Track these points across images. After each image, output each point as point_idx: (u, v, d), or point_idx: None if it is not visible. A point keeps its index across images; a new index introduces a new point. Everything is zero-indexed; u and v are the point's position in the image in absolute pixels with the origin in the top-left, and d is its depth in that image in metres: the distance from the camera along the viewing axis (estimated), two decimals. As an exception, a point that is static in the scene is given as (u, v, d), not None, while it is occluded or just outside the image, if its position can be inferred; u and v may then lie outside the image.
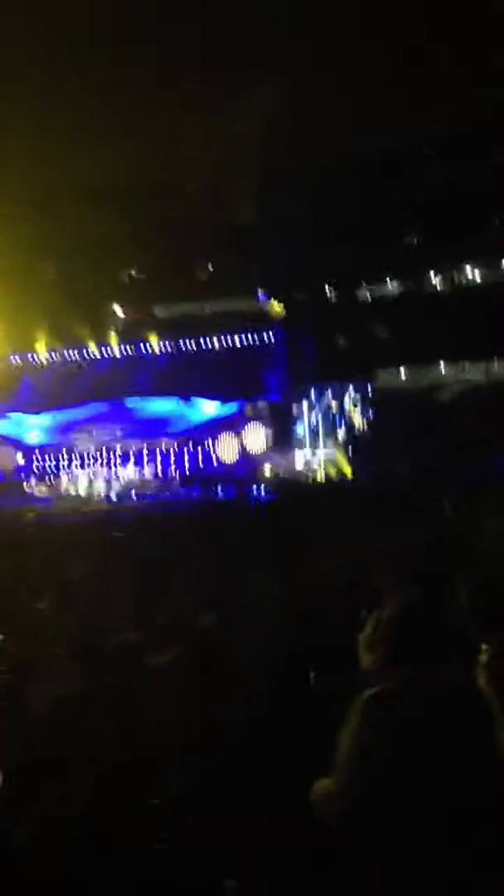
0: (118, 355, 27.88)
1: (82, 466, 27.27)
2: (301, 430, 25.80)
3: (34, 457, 28.35)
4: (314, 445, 25.55)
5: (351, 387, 25.39)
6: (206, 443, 26.98)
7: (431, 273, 24.24)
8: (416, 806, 2.06)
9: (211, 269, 24.46)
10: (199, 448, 27.03)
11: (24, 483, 26.31)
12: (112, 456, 27.52)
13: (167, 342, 27.30)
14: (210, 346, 27.08)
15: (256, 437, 26.15)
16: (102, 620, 6.49)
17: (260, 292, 25.71)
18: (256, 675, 3.00)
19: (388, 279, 24.67)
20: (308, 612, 4.98)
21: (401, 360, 24.70)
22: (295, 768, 2.38)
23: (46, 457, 28.31)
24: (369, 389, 25.18)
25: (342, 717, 2.23)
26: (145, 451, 27.34)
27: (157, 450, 27.31)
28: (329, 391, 25.65)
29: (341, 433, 25.39)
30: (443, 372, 24.78)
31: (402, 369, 25.11)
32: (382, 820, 2.11)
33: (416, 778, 2.07)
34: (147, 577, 9.42)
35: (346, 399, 25.38)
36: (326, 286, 25.06)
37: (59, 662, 5.37)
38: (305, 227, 20.83)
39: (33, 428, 28.81)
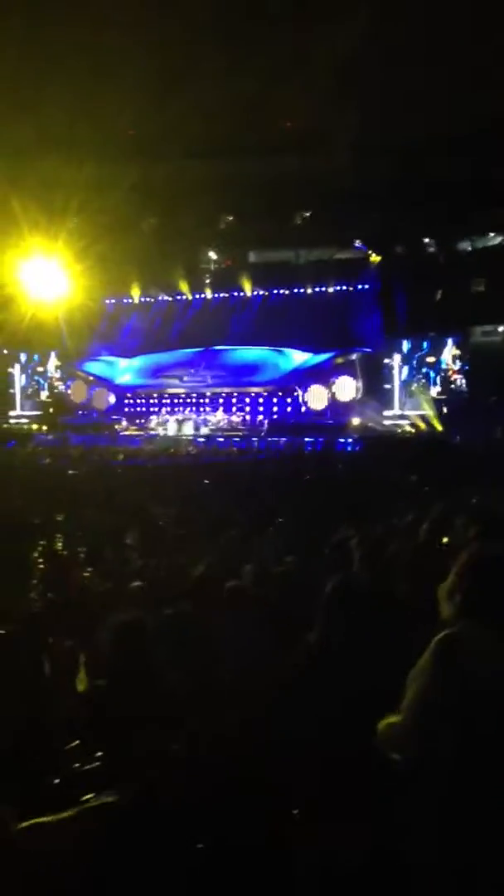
0: (211, 302, 28.02)
1: (172, 410, 27.64)
2: (392, 382, 25.50)
3: (125, 398, 28.89)
4: (405, 399, 25.25)
5: (446, 342, 24.91)
6: (295, 392, 26.96)
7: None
8: (480, 751, 2.11)
9: (307, 217, 24.17)
10: (289, 397, 27.05)
11: (115, 424, 26.85)
12: (202, 401, 27.80)
13: (260, 290, 27.28)
14: (304, 294, 26.95)
15: (346, 389, 25.99)
16: (183, 557, 6.66)
17: (357, 242, 25.34)
18: (331, 616, 3.05)
19: (487, 233, 23.97)
20: (388, 561, 5.03)
21: (498, 316, 24.08)
22: (365, 707, 2.43)
23: (137, 399, 28.81)
24: (465, 345, 24.67)
25: (415, 660, 2.29)
26: (234, 398, 27.51)
27: (247, 397, 27.45)
28: (423, 345, 25.23)
29: (433, 388, 25.01)
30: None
31: (500, 327, 24.50)
32: (445, 763, 2.16)
33: (482, 724, 2.11)
34: (231, 519, 9.61)
35: (441, 354, 24.93)
36: (425, 238, 24.50)
37: (139, 595, 5.59)
38: (405, 178, 20.33)
39: (126, 370, 29.30)
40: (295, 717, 2.93)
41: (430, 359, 25.17)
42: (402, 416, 24.83)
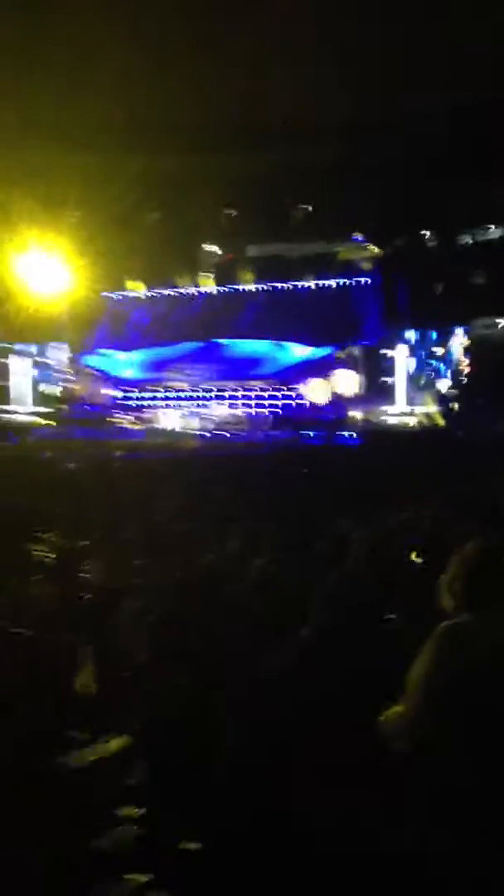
0: (212, 296, 28.02)
1: (174, 404, 27.62)
2: (393, 376, 25.45)
3: (127, 393, 28.87)
4: (406, 392, 25.20)
5: (446, 334, 24.86)
6: (297, 386, 26.94)
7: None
8: (481, 741, 2.12)
9: (308, 210, 24.16)
10: (290, 391, 27.03)
11: (117, 418, 26.83)
12: (203, 395, 27.79)
13: (261, 284, 27.26)
14: (304, 288, 26.92)
15: (347, 382, 25.95)
16: (188, 553, 6.65)
17: (356, 235, 25.31)
18: (332, 610, 3.06)
19: (488, 225, 23.95)
20: (390, 555, 5.03)
21: (499, 309, 24.05)
22: (367, 698, 2.44)
23: (140, 393, 28.79)
24: (466, 338, 24.61)
25: (416, 651, 2.30)
26: (236, 392, 27.49)
27: (249, 391, 27.42)
28: (423, 338, 25.18)
29: (434, 381, 24.97)
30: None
31: (500, 320, 24.46)
32: (447, 751, 2.18)
33: (482, 713, 2.13)
34: (232, 513, 9.62)
35: (441, 347, 24.88)
36: (424, 231, 24.48)
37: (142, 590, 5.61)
38: (405, 171, 20.32)
39: (128, 364, 29.29)
40: (292, 711, 2.94)
41: (429, 350, 25.10)
42: (403, 411, 24.77)
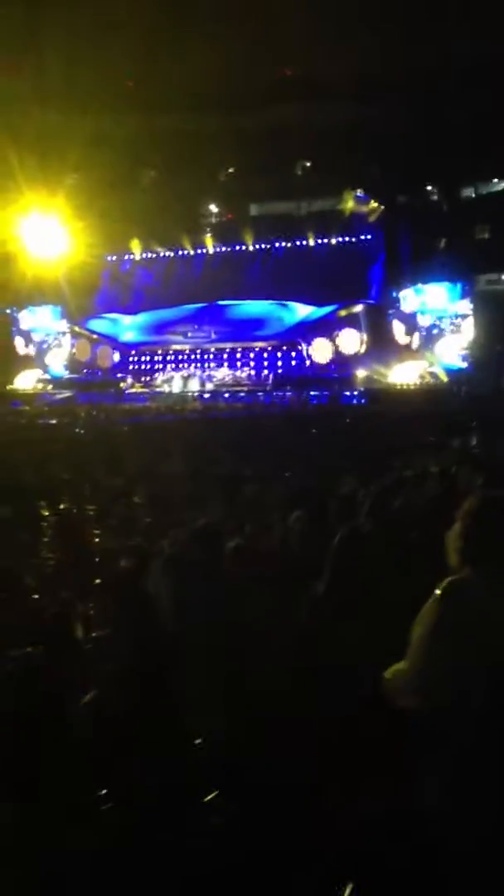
0: (213, 256, 27.81)
1: (177, 367, 27.54)
2: (397, 334, 25.30)
3: (130, 356, 28.79)
4: (410, 350, 25.06)
5: (450, 291, 24.62)
6: (299, 346, 26.83)
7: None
8: (485, 696, 2.14)
9: (308, 167, 23.89)
10: (293, 351, 26.92)
11: (120, 382, 26.79)
12: (206, 357, 27.69)
13: (262, 243, 27.04)
14: (306, 247, 26.71)
15: (351, 341, 25.83)
16: (192, 514, 6.68)
17: (359, 192, 25.02)
18: (339, 565, 3.07)
19: (491, 180, 23.67)
20: (395, 511, 5.05)
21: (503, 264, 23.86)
22: (371, 654, 2.46)
23: (142, 357, 28.71)
24: (470, 294, 24.40)
25: (419, 606, 2.32)
26: (239, 353, 27.39)
27: (251, 352, 27.32)
28: (427, 295, 24.96)
29: (438, 338, 24.81)
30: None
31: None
32: (451, 707, 2.19)
33: (489, 671, 2.14)
34: (238, 475, 9.64)
35: (445, 303, 24.68)
36: (427, 186, 24.21)
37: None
38: (407, 127, 20.04)
39: (129, 328, 29.17)
40: (304, 666, 2.97)
41: (433, 308, 24.86)
42: (406, 367, 24.63)
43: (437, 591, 2.30)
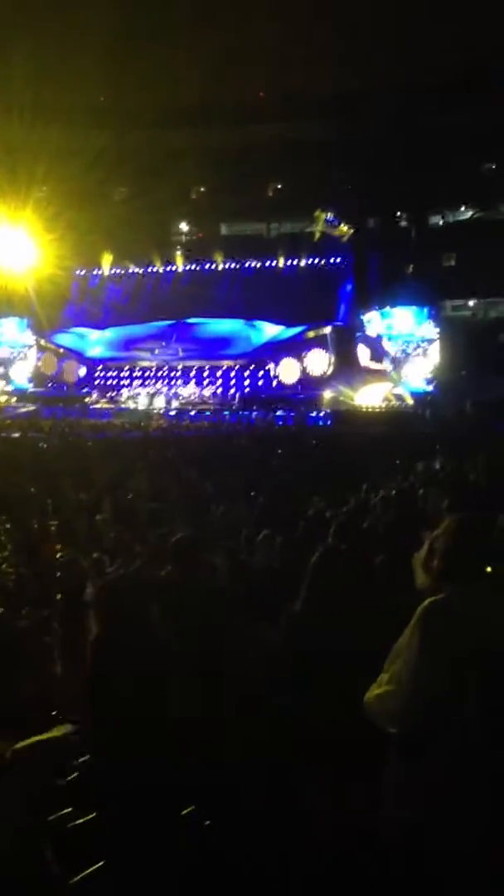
0: (183, 274, 27.85)
1: (143, 383, 27.46)
2: (364, 356, 25.47)
3: (96, 371, 28.66)
4: (374, 373, 25.24)
5: (417, 315, 24.90)
6: (267, 366, 26.90)
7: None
8: (487, 712, 2.13)
9: (279, 188, 24.08)
10: (261, 370, 26.98)
11: (86, 396, 26.64)
12: (173, 374, 27.64)
13: (232, 262, 27.13)
14: (276, 267, 26.85)
15: (318, 362, 25.95)
16: (156, 530, 6.63)
17: (329, 215, 25.25)
18: (310, 589, 3.06)
19: (460, 206, 24.05)
20: (363, 533, 5.04)
21: (470, 290, 24.20)
22: (351, 676, 2.44)
23: (108, 372, 28.59)
24: (436, 319, 24.70)
25: (396, 629, 2.30)
26: (206, 371, 27.39)
27: (218, 370, 27.33)
28: (394, 318, 25.21)
29: (404, 361, 25.05)
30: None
31: (469, 301, 24.62)
32: (434, 728, 2.18)
33: (473, 691, 2.13)
34: (205, 492, 9.60)
35: (411, 327, 24.94)
36: (396, 211, 24.53)
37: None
38: (377, 151, 20.32)
39: (96, 343, 29.07)
40: (283, 685, 2.95)
41: (400, 331, 25.13)
42: (373, 389, 24.77)
43: (419, 613, 2.29)
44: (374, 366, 25.25)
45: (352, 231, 25.30)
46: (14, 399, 26.37)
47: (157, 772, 2.64)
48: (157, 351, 27.91)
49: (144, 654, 2.89)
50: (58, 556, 6.37)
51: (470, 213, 24.07)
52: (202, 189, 24.71)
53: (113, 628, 3.07)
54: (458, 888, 2.20)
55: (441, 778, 2.19)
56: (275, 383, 26.67)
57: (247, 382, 26.95)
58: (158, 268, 27.64)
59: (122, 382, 28.05)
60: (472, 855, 2.16)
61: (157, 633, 3.09)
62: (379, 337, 25.21)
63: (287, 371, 26.43)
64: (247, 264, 27.04)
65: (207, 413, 24.11)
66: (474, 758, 2.16)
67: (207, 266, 27.29)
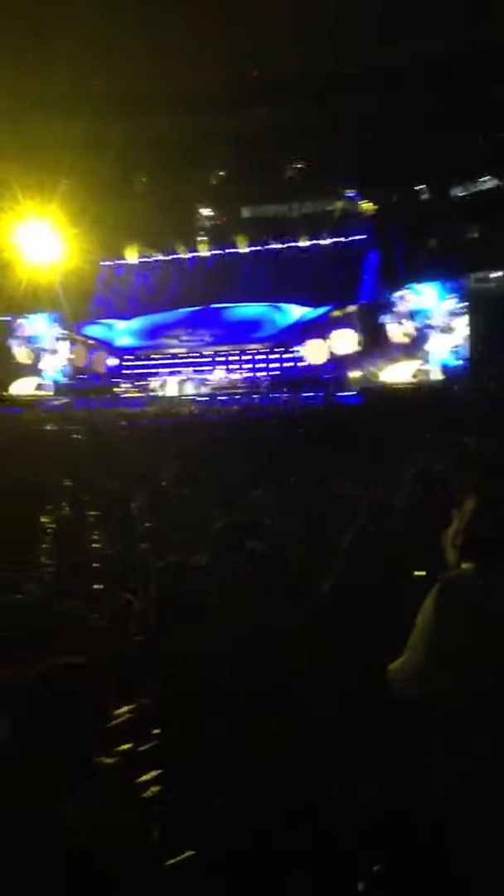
0: (206, 259, 27.85)
1: (172, 371, 27.59)
2: (391, 334, 25.35)
3: (125, 361, 28.83)
4: (402, 350, 25.12)
5: (443, 289, 24.68)
6: (294, 347, 26.89)
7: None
8: (487, 691, 2.20)
9: (301, 169, 23.92)
10: (288, 352, 26.98)
11: (116, 386, 26.84)
12: (201, 360, 27.74)
13: (255, 245, 27.08)
14: (299, 248, 26.76)
15: (345, 342, 25.89)
16: (189, 517, 6.72)
17: (350, 192, 25.08)
18: (347, 567, 3.13)
19: (482, 178, 23.72)
20: (393, 512, 5.10)
21: (493, 262, 23.90)
22: (373, 651, 2.51)
23: (137, 361, 28.75)
24: (463, 294, 24.46)
25: (419, 603, 2.38)
26: (234, 356, 27.44)
27: (246, 354, 27.37)
28: (420, 294, 25.03)
29: (431, 337, 24.87)
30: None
31: (493, 273, 24.31)
32: (454, 702, 2.25)
33: (488, 662, 2.20)
34: (235, 478, 9.69)
35: (438, 302, 24.74)
36: (418, 185, 24.26)
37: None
38: (396, 124, 20.07)
39: (124, 333, 29.22)
40: (311, 663, 3.02)
41: (427, 307, 24.92)
42: (400, 367, 24.68)
43: (436, 587, 2.35)
44: (401, 342, 25.11)
45: (374, 207, 25.10)
46: (49, 392, 26.64)
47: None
48: (184, 338, 28.01)
49: (202, 636, 2.96)
50: (93, 546, 6.51)
51: (491, 184, 23.71)
52: (222, 173, 24.58)
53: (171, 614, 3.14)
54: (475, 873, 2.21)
55: (455, 759, 2.23)
56: (303, 364, 26.67)
57: (275, 365, 26.97)
58: (182, 255, 27.65)
59: (151, 370, 28.21)
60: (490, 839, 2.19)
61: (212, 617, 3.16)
62: (405, 313, 25.03)
63: (314, 351, 26.42)
64: (269, 247, 26.97)
65: (237, 397, 24.19)
66: (484, 739, 2.20)
67: (230, 250, 27.25)
